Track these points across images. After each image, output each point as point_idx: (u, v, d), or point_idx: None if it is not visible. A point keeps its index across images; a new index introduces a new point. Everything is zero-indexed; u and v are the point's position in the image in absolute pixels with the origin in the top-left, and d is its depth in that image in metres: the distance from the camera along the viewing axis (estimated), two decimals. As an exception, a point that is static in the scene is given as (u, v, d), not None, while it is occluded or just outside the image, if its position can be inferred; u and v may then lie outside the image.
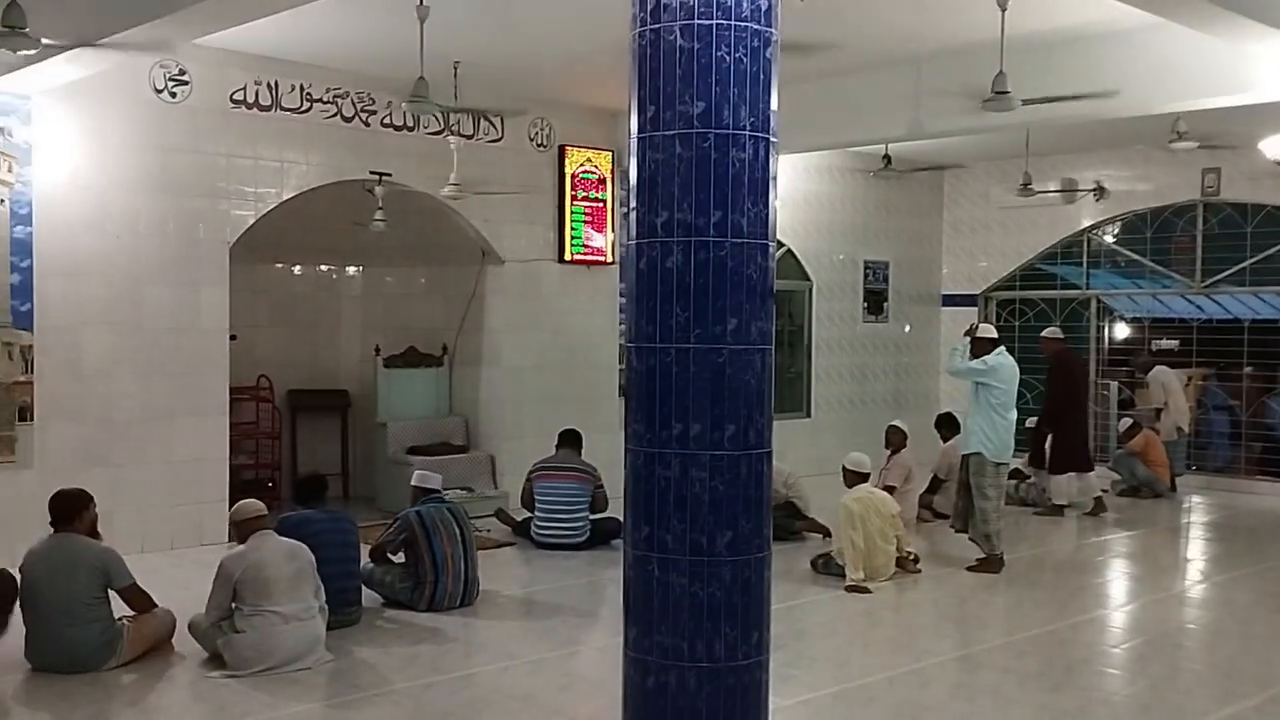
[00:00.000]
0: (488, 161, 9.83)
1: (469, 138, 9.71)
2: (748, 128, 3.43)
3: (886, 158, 11.05)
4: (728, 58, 3.39)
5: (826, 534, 8.54)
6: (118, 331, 7.97)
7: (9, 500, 7.40)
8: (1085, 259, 13.12)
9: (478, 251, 10.29)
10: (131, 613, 5.55)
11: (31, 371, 7.59)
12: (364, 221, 9.23)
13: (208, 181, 8.37)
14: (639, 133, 3.51)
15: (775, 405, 11.59)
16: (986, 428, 7.82)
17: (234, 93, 8.46)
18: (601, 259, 10.83)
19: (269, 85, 8.62)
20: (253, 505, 5.75)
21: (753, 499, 3.49)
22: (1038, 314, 13.52)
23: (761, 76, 3.46)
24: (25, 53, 5.58)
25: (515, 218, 10.21)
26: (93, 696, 5.09)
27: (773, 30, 3.49)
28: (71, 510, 5.47)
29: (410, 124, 9.41)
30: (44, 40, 5.72)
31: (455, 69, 8.49)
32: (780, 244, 12.58)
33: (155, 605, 5.63)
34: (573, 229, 10.58)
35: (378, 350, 10.26)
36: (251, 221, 8.60)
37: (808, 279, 12.83)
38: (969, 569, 7.78)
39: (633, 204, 3.55)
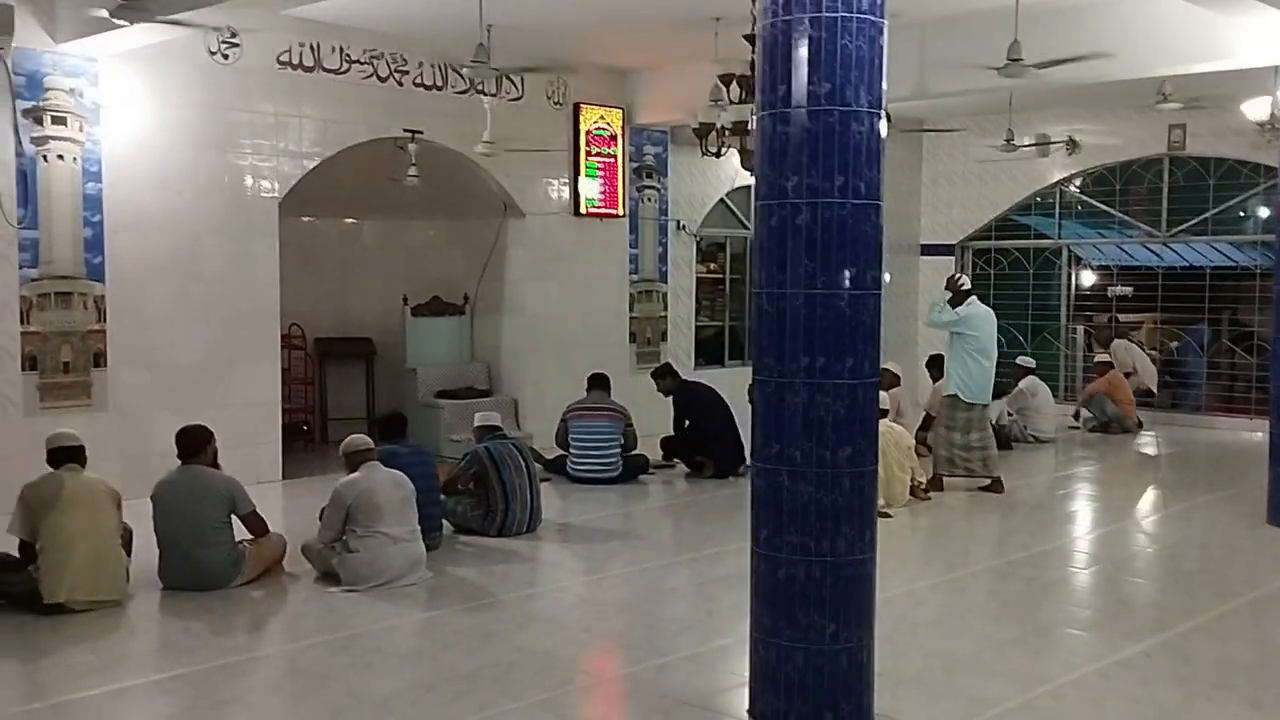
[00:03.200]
0: (509, 119, 10.32)
1: (493, 96, 10.19)
2: (865, 105, 4.04)
3: (887, 116, 11.65)
4: (850, 45, 3.98)
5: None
6: (179, 282, 8.43)
7: (87, 440, 7.78)
8: (1058, 210, 13.92)
9: (499, 205, 10.80)
10: (250, 536, 6.11)
11: (104, 320, 8.03)
12: (399, 177, 9.70)
13: (258, 140, 8.80)
14: (769, 109, 4.09)
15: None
16: (961, 372, 8.59)
17: (280, 54, 8.86)
18: (613, 212, 11.39)
19: (311, 47, 9.03)
20: (362, 439, 6.33)
21: (866, 420, 4.13)
22: (1012, 263, 14.34)
23: (876, 61, 4.06)
24: (143, 24, 5.98)
25: (535, 172, 10.74)
26: (232, 610, 5.67)
27: (885, 21, 4.09)
28: (197, 444, 6.01)
29: (439, 83, 9.88)
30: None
31: (488, 32, 8.93)
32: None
33: (269, 530, 6.19)
34: (588, 183, 11.12)
35: (405, 300, 10.76)
36: (299, 177, 9.06)
37: (799, 230, 13.45)
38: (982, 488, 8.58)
39: (762, 170, 4.15)
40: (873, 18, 4.02)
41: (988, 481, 8.71)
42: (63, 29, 7.59)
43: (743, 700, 4.36)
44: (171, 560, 5.87)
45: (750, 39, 7.55)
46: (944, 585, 6.26)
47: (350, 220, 11.30)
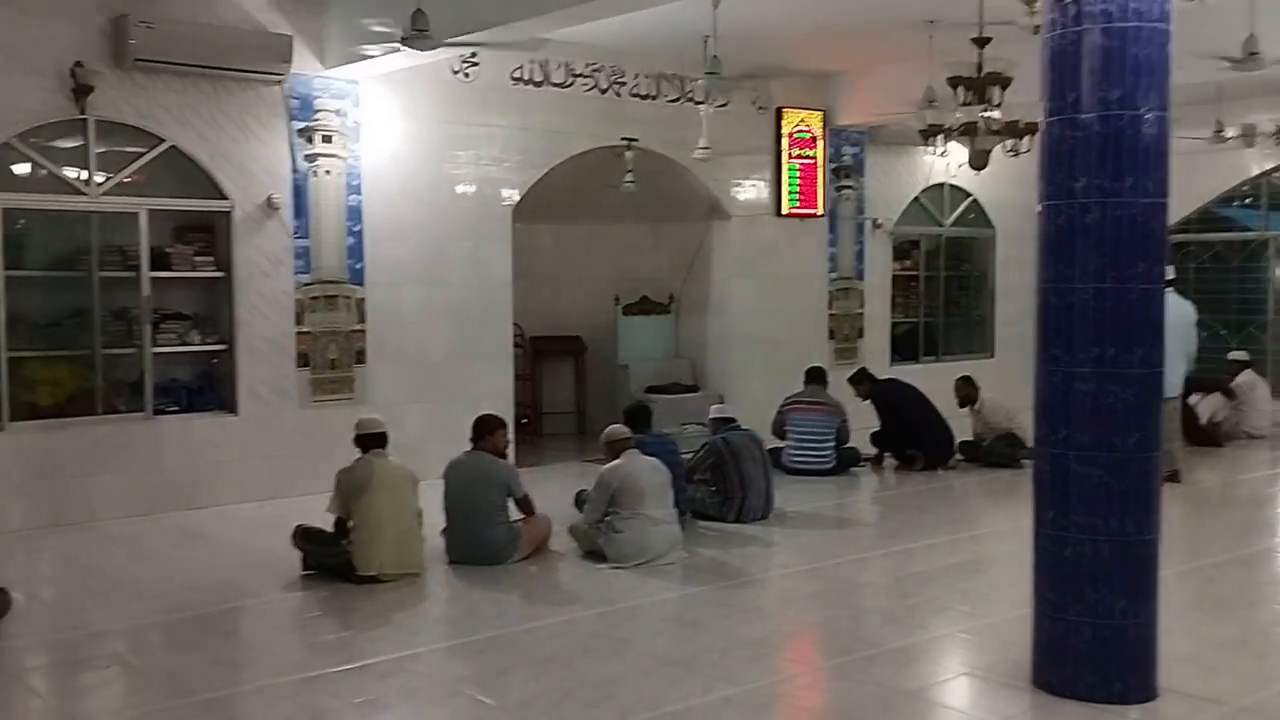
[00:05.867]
0: (716, 124, 10.67)
1: (700, 103, 10.60)
2: (1155, 109, 4.26)
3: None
4: (1140, 53, 4.21)
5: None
6: (427, 285, 9.11)
7: (348, 431, 8.54)
8: (1265, 201, 13.57)
9: (705, 207, 11.22)
10: (522, 517, 6.64)
11: (364, 321, 8.76)
12: (616, 183, 10.22)
13: (494, 151, 9.43)
14: (1058, 114, 4.34)
15: (961, 346, 12.29)
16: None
17: (513, 71, 9.47)
18: (813, 212, 11.69)
19: (540, 64, 9.62)
20: (622, 429, 6.81)
21: (1153, 407, 4.35)
22: (1213, 256, 14.04)
23: (1164, 67, 4.28)
24: (430, 52, 6.58)
25: (738, 175, 11.13)
26: (517, 582, 6.21)
27: (1171, 29, 4.30)
28: (483, 430, 6.61)
29: (652, 93, 10.36)
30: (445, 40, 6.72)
31: (706, 42, 9.35)
32: (967, 194, 13.29)
33: (537, 512, 6.72)
34: (789, 184, 11.46)
35: (618, 300, 11.29)
36: (529, 185, 9.66)
37: (991, 226, 13.51)
38: None
39: (1048, 173, 4.41)
40: (1161, 25, 4.25)
41: (1166, 474, 8.64)
42: (331, 55, 8.32)
43: (1023, 672, 4.62)
44: (457, 537, 6.45)
45: (979, 42, 7.78)
46: (1191, 573, 6.35)
47: (557, 225, 11.86)
